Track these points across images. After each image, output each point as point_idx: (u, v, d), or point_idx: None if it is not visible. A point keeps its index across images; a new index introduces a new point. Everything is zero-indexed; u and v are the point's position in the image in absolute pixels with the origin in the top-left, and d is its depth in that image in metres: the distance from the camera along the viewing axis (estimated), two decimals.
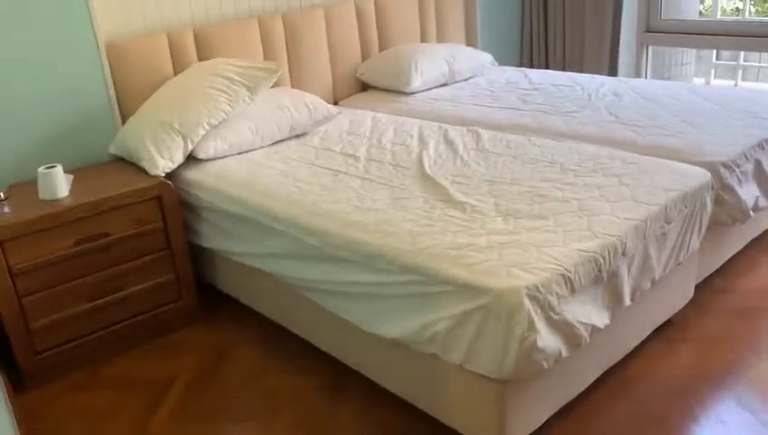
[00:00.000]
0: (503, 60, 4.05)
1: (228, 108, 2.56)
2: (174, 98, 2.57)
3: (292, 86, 3.21)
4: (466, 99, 3.26)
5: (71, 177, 2.32)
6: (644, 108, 2.86)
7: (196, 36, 2.88)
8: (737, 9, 6.62)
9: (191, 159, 2.52)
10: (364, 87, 3.55)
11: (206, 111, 2.50)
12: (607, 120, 2.75)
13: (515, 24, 4.31)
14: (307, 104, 2.85)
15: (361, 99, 3.44)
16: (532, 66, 4.26)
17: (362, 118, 3.02)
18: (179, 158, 2.46)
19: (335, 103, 3.43)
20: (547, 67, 4.20)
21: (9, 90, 2.34)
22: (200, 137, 2.49)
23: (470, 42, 4.04)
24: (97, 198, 2.21)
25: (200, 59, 2.88)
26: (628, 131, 2.58)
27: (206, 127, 2.50)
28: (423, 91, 3.42)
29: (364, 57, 3.54)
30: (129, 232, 2.29)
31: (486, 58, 3.74)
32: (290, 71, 3.22)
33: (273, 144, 2.71)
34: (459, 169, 2.27)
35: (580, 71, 3.97)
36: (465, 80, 3.59)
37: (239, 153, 2.60)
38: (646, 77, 4.06)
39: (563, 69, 4.09)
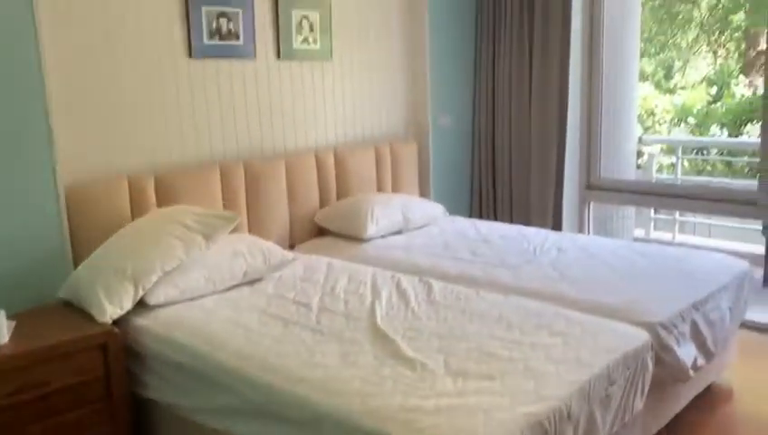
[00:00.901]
0: (454, 210, 4.24)
1: (183, 255, 2.58)
2: (129, 243, 2.60)
3: (250, 231, 3.27)
4: (419, 247, 3.37)
5: (12, 323, 2.26)
6: (586, 264, 3.00)
7: (156, 182, 2.96)
8: (671, 164, 7.15)
9: (141, 304, 2.49)
10: (321, 232, 3.65)
11: (160, 258, 2.51)
12: (551, 276, 2.86)
13: (466, 176, 4.56)
14: (263, 250, 2.90)
15: (318, 244, 3.52)
16: (481, 217, 4.45)
17: (317, 264, 3.08)
18: (128, 304, 2.43)
19: (292, 247, 3.49)
20: (495, 218, 4.40)
21: None
22: (152, 284, 2.48)
23: (423, 193, 4.24)
24: (37, 346, 2.15)
25: (160, 204, 2.94)
26: (571, 289, 2.69)
27: (159, 274, 2.50)
28: (378, 238, 3.52)
29: (322, 203, 3.67)
30: (70, 381, 2.21)
31: (439, 208, 3.91)
32: (248, 216, 3.30)
33: (226, 290, 2.71)
34: (410, 323, 2.31)
35: (527, 222, 4.17)
36: (419, 228, 3.72)
37: (191, 299, 2.59)
38: (588, 230, 4.29)
39: (511, 220, 4.29)
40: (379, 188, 3.97)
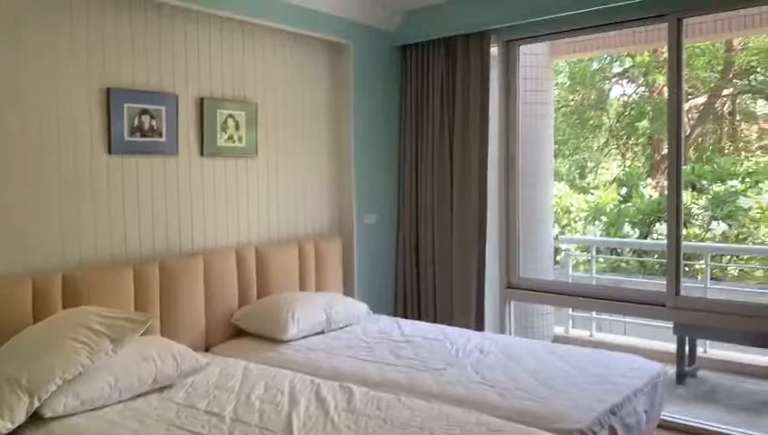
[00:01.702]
0: (378, 308, 4.21)
1: (87, 361, 2.42)
2: (26, 349, 2.41)
3: (163, 333, 3.12)
4: (341, 349, 3.29)
5: None
6: (506, 367, 3.00)
7: (64, 281, 2.80)
8: (587, 261, 7.43)
9: (36, 416, 2.29)
10: (240, 333, 3.52)
11: (60, 365, 2.34)
12: (474, 379, 2.84)
13: (390, 274, 4.57)
14: (174, 355, 2.75)
15: (235, 346, 3.38)
16: (405, 315, 4.44)
17: (233, 369, 2.95)
18: (21, 417, 2.23)
19: (207, 350, 3.35)
20: (419, 317, 4.40)
21: None
22: (50, 393, 2.30)
23: (348, 291, 4.21)
24: None
25: (66, 306, 2.77)
26: (493, 393, 2.67)
27: (59, 382, 2.32)
28: (299, 339, 3.42)
29: (241, 303, 3.56)
30: None
31: (362, 308, 3.87)
32: (162, 317, 3.16)
33: (132, 398, 2.54)
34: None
35: (451, 320, 4.18)
36: (342, 328, 3.66)
37: (93, 410, 2.41)
38: (510, 329, 4.33)
39: (435, 319, 4.29)
40: (302, 287, 3.91)
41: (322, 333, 3.55)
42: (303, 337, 3.45)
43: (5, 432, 2.19)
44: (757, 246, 7.81)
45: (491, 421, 2.34)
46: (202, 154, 3.49)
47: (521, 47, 4.28)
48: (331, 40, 4.12)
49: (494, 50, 4.21)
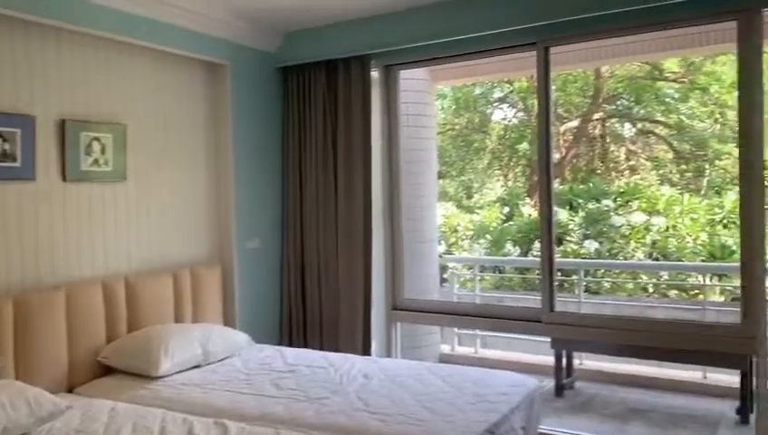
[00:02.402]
0: (263, 338, 4.08)
1: None
2: None
3: (18, 377, 2.84)
4: (218, 383, 3.14)
5: None
6: (390, 392, 2.98)
7: None
8: (472, 279, 7.60)
9: None
10: (107, 371, 3.28)
11: None
12: (356, 407, 2.79)
13: (275, 301, 4.45)
14: (28, 400, 2.52)
15: (103, 385, 3.14)
16: (291, 342, 4.33)
17: (98, 410, 2.73)
18: None
19: (70, 391, 3.09)
20: (306, 343, 4.30)
21: None
22: None
23: (228, 321, 4.04)
24: None
25: None
26: (375, 420, 2.64)
27: None
28: (173, 374, 3.23)
29: (110, 339, 3.33)
30: None
31: (243, 338, 3.72)
32: (16, 358, 2.88)
33: None
34: None
35: (338, 347, 4.12)
36: (221, 361, 3.49)
37: None
38: (397, 352, 4.33)
39: (321, 346, 4.22)
40: (178, 319, 3.72)
41: (199, 366, 3.38)
42: (178, 372, 3.26)
43: None
44: (625, 262, 8.35)
45: None
46: (65, 180, 3.25)
47: (400, 72, 4.35)
48: (209, 60, 4.00)
49: (375, 73, 4.25)
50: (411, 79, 5.21)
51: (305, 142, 4.39)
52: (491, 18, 3.65)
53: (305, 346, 4.25)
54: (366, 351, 4.15)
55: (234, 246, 4.12)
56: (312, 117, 4.35)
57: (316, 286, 4.35)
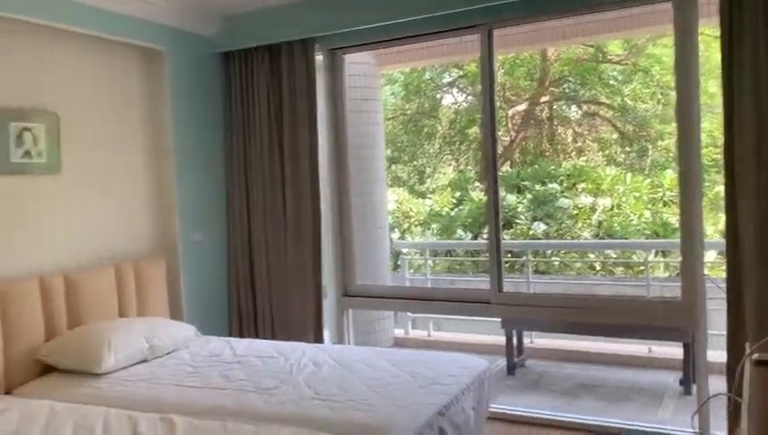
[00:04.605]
0: (212, 329, 3.99)
1: None
2: None
3: None
4: (166, 378, 3.06)
5: None
6: (340, 378, 2.96)
7: None
8: (423, 264, 7.65)
9: None
10: (47, 370, 3.16)
11: None
12: (306, 395, 2.76)
13: (222, 293, 4.37)
14: None
15: (42, 385, 3.03)
16: (242, 334, 4.26)
17: (37, 411, 2.63)
18: None
19: (7, 392, 2.97)
20: (257, 334, 4.25)
21: None
22: None
23: (175, 314, 3.95)
24: None
25: None
26: (325, 408, 2.61)
27: None
28: (118, 370, 3.13)
29: (49, 336, 3.20)
30: None
31: (190, 330, 3.64)
32: None
33: None
34: None
35: (290, 336, 4.07)
36: (168, 354, 3.41)
37: None
38: (349, 338, 4.32)
39: (273, 335, 4.17)
40: (122, 313, 3.61)
41: (145, 361, 3.29)
42: (123, 368, 3.16)
43: None
44: (572, 241, 8.53)
45: None
46: None
47: (345, 56, 4.29)
48: (145, 46, 3.86)
49: (319, 58, 4.18)
50: (357, 63, 5.17)
51: (250, 129, 4.29)
52: (435, 0, 3.63)
53: (256, 337, 4.19)
54: (318, 339, 4.12)
55: (178, 238, 4.01)
56: (256, 103, 4.25)
57: (265, 276, 4.28)
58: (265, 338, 4.13)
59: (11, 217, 3.19)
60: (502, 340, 5.27)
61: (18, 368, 3.06)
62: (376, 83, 5.71)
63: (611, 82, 10.25)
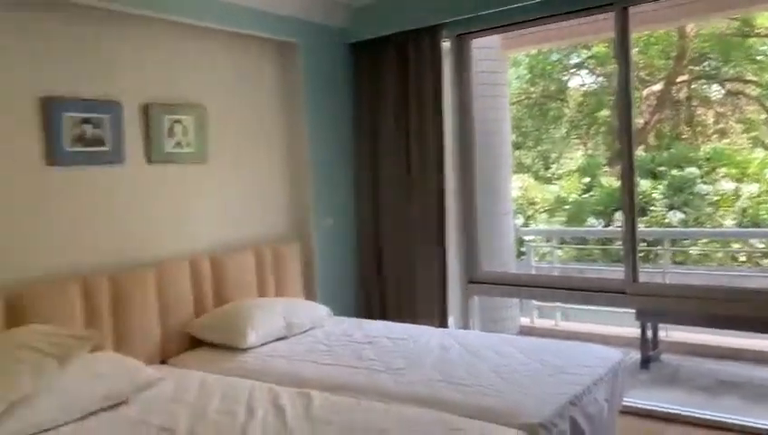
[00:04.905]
0: (341, 310, 4.16)
1: (32, 382, 2.32)
2: None
3: (115, 348, 3.02)
4: (303, 354, 3.23)
5: None
6: (467, 363, 2.98)
7: (6, 302, 2.69)
8: (550, 252, 7.47)
9: None
10: (197, 343, 3.43)
11: (3, 389, 2.25)
12: (433, 378, 2.81)
13: (352, 275, 4.52)
14: (127, 370, 2.68)
15: (192, 357, 3.30)
16: (370, 316, 4.39)
17: (190, 381, 2.87)
18: None
19: (164, 362, 3.26)
20: (384, 316, 4.36)
21: None
22: None
23: (309, 294, 4.14)
24: None
25: (10, 326, 2.66)
26: (452, 391, 2.64)
27: (2, 406, 2.22)
28: (259, 346, 3.35)
29: (197, 313, 3.48)
30: None
31: (324, 310, 3.82)
32: (114, 332, 3.06)
33: (83, 418, 2.45)
34: None
35: (415, 319, 4.14)
36: (304, 333, 3.59)
37: (40, 433, 2.32)
38: (474, 324, 4.32)
39: (400, 318, 4.26)
40: (261, 293, 3.84)
41: (284, 338, 3.49)
42: (263, 344, 3.38)
43: None
44: (712, 229, 7.96)
45: (450, 419, 2.32)
46: (150, 162, 3.40)
47: (472, 41, 4.27)
48: (279, 39, 4.05)
49: (446, 44, 4.19)
50: (483, 48, 5.10)
51: (377, 118, 4.39)
52: None
53: (384, 319, 4.30)
54: (442, 324, 4.16)
55: (312, 223, 4.21)
56: (383, 92, 4.35)
57: (392, 261, 4.39)
58: (392, 321, 4.23)
59: (165, 203, 3.48)
60: (634, 332, 5.05)
61: (172, 341, 3.36)
62: (502, 67, 5.62)
63: (759, 57, 9.40)
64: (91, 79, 3.13)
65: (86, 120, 3.08)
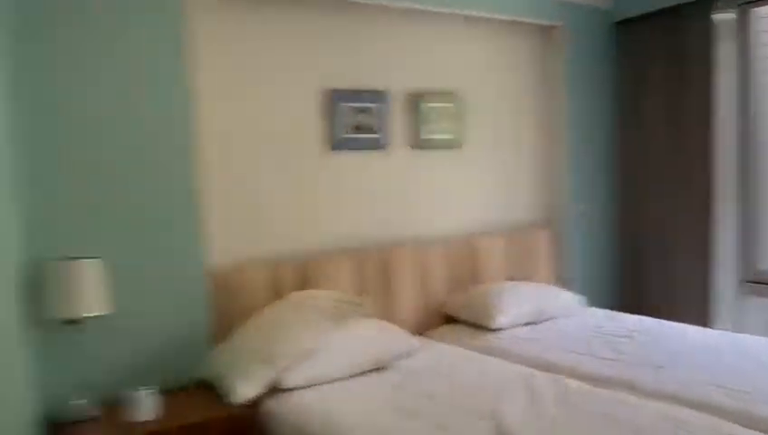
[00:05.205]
0: (592, 300, 4.02)
1: (315, 340, 2.65)
2: (265, 327, 2.72)
3: (380, 317, 3.30)
4: (551, 341, 3.21)
5: (157, 399, 2.41)
6: (742, 368, 2.68)
7: (294, 268, 3.11)
8: None
9: (274, 388, 2.57)
10: (449, 320, 3.60)
11: (293, 343, 2.60)
12: (698, 380, 2.57)
13: (605, 266, 4.35)
14: (392, 338, 2.92)
15: (445, 332, 3.47)
16: (623, 309, 4.18)
17: (444, 354, 3.03)
18: (262, 387, 2.52)
19: (420, 335, 3.48)
20: (640, 311, 4.11)
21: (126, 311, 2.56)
22: (284, 368, 2.56)
23: (560, 282, 4.08)
24: (177, 424, 2.28)
25: (297, 289, 3.06)
26: (722, 395, 2.41)
27: (292, 358, 2.58)
28: (507, 328, 3.41)
29: (450, 291, 3.65)
30: None
31: (574, 299, 3.74)
32: (378, 302, 3.34)
33: (354, 377, 2.72)
34: (542, 427, 2.16)
35: (675, 317, 3.84)
36: (553, 319, 3.56)
37: (320, 384, 2.63)
38: (748, 327, 3.86)
39: (658, 314, 3.98)
40: (510, 277, 3.88)
41: (533, 324, 3.49)
42: (512, 326, 3.42)
43: (249, 399, 2.49)
44: None
45: (723, 426, 2.12)
46: (411, 147, 3.63)
47: (754, 9, 3.78)
48: (540, 24, 4.01)
49: (721, 17, 3.77)
50: None
51: (642, 103, 4.14)
52: None
53: (638, 313, 4.07)
54: (705, 324, 3.80)
55: (565, 208, 4.13)
56: (650, 74, 4.07)
57: (652, 252, 4.12)
58: (648, 315, 3.97)
59: (424, 187, 3.69)
60: None
61: (427, 315, 3.57)
62: None
63: None
64: (365, 71, 3.43)
65: (361, 110, 3.40)
